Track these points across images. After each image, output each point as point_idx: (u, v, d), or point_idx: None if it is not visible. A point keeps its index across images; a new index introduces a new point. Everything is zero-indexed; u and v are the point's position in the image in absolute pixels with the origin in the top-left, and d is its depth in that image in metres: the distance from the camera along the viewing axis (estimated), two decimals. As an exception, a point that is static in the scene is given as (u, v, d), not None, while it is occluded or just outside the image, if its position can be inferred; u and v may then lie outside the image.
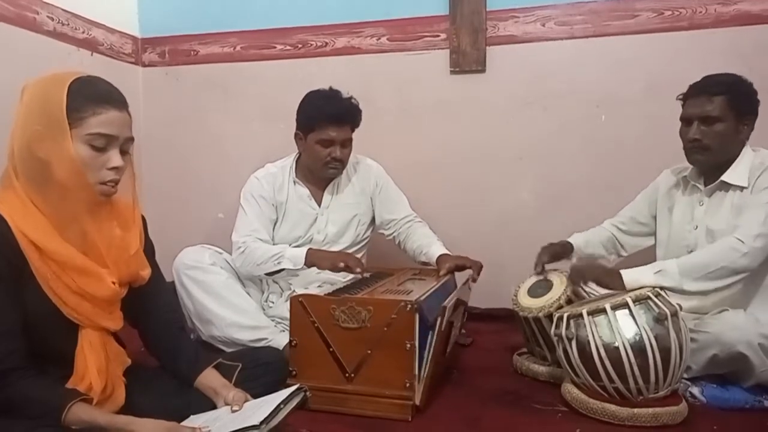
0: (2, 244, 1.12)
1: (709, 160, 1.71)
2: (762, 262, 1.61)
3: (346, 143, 2.06)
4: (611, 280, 1.62)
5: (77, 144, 1.13)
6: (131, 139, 1.22)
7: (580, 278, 1.72)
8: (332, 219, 2.15)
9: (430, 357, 1.51)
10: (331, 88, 2.07)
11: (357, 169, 2.22)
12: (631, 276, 1.60)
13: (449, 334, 1.70)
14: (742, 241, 1.57)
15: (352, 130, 2.07)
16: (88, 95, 1.15)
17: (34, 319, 1.17)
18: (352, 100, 2.05)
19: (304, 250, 1.96)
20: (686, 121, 1.74)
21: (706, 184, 1.76)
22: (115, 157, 1.17)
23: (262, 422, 1.12)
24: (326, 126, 2.00)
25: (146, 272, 1.34)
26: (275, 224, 2.14)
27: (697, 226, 1.76)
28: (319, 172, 2.09)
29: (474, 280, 1.96)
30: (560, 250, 1.95)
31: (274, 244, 2.09)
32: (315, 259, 1.93)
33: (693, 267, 1.58)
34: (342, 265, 1.86)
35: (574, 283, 1.73)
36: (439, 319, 1.51)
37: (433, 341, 1.52)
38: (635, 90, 2.36)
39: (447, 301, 1.58)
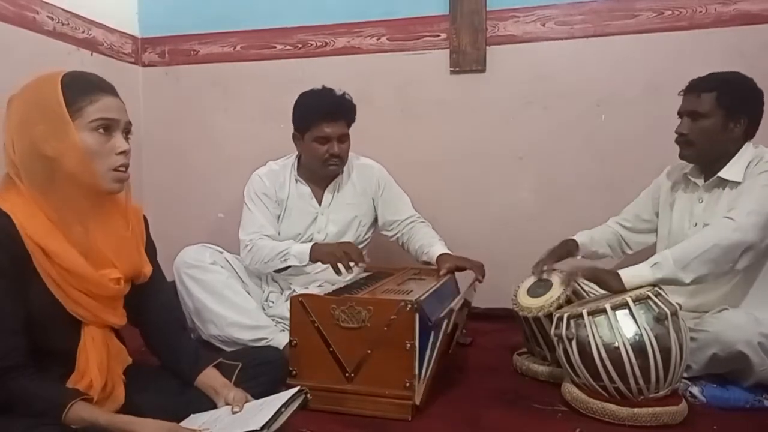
0: (6, 240, 1.12)
1: (694, 155, 1.74)
2: (760, 256, 1.60)
3: (343, 138, 2.06)
4: (610, 280, 1.60)
5: (82, 134, 1.16)
6: (130, 124, 1.25)
7: (573, 275, 1.71)
8: (333, 218, 2.15)
9: (433, 358, 1.51)
10: (323, 87, 2.07)
11: (358, 169, 2.22)
12: (629, 275, 1.58)
13: (453, 335, 1.71)
14: (732, 219, 1.57)
15: (348, 126, 2.08)
16: (81, 87, 1.18)
17: (37, 315, 1.17)
18: (346, 96, 2.06)
19: (309, 246, 1.97)
20: (679, 115, 1.78)
21: (705, 181, 1.77)
22: (120, 141, 1.21)
23: (263, 427, 1.11)
24: (321, 123, 2.01)
25: (148, 269, 1.35)
26: (278, 220, 2.15)
27: (696, 224, 1.76)
28: (320, 170, 2.09)
29: (480, 281, 1.96)
30: (564, 252, 1.94)
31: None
32: (319, 254, 1.94)
33: (686, 252, 1.57)
34: (342, 264, 1.86)
35: (568, 281, 1.71)
36: (445, 322, 1.51)
37: (437, 342, 1.52)
38: (635, 90, 2.36)
39: (454, 303, 1.58)
